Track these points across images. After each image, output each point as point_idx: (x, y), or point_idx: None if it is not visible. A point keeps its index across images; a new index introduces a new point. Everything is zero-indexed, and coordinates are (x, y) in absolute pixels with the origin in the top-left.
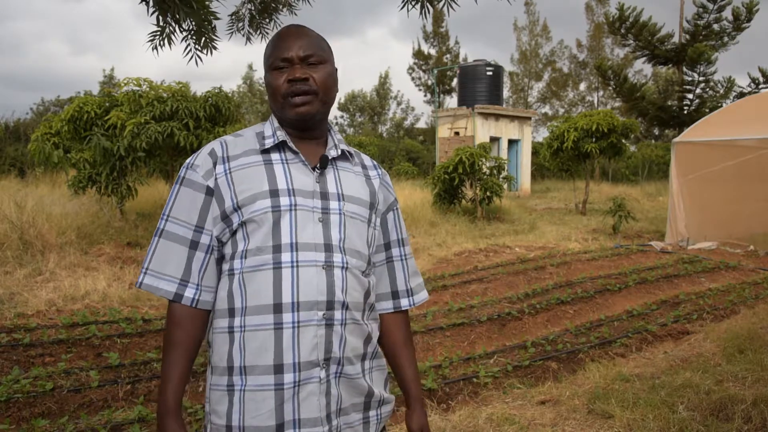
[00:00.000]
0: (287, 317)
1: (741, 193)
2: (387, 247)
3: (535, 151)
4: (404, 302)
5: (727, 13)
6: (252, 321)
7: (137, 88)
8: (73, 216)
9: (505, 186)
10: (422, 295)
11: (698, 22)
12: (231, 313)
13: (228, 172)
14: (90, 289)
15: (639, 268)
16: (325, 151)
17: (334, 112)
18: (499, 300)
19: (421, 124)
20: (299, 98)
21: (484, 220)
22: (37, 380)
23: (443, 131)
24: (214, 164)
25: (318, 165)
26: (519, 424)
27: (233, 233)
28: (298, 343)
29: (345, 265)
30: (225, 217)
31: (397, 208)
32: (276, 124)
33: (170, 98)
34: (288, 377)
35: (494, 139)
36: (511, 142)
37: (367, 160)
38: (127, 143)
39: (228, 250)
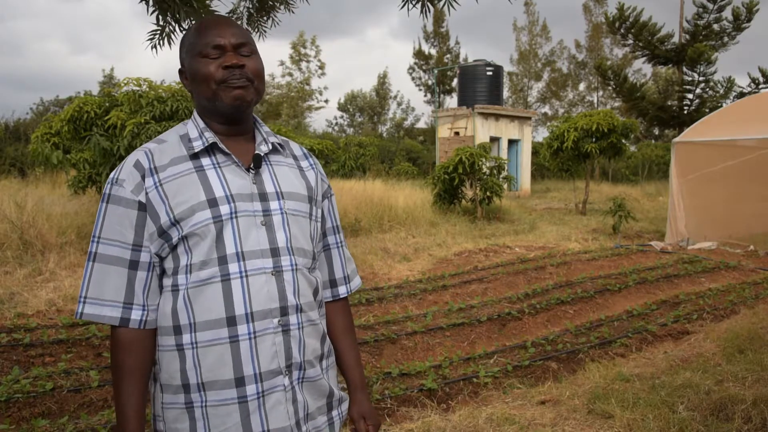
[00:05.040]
0: (242, 329)
1: (741, 193)
2: (324, 235)
3: (535, 151)
4: (342, 290)
5: (727, 13)
6: (204, 337)
7: (137, 88)
8: (73, 216)
9: (505, 186)
10: (357, 281)
11: (698, 22)
12: (177, 330)
13: (158, 184)
14: None
15: (639, 268)
16: (254, 146)
17: (334, 112)
18: (499, 300)
19: (421, 124)
20: (236, 82)
21: (484, 220)
22: (37, 380)
23: (443, 131)
24: (143, 177)
25: (252, 165)
26: (519, 424)
27: (173, 248)
28: (257, 353)
29: (294, 267)
30: (162, 233)
31: (331, 195)
32: (201, 124)
33: (170, 98)
34: (251, 389)
35: (494, 139)
36: (511, 142)
37: (297, 149)
38: (127, 143)
39: (169, 264)
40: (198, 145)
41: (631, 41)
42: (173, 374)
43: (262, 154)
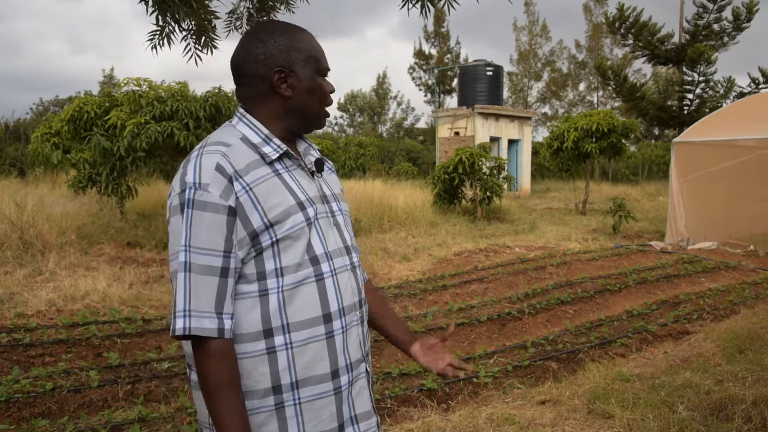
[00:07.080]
0: (336, 324)
1: (741, 193)
2: None
3: (535, 151)
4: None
5: (727, 13)
6: (300, 336)
7: (137, 88)
8: (73, 216)
9: (505, 186)
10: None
11: (698, 22)
12: (268, 333)
13: (248, 188)
14: (90, 289)
15: (639, 268)
16: (301, 151)
17: (334, 113)
18: (499, 300)
19: (421, 124)
20: (329, 113)
21: (484, 220)
22: (37, 380)
23: (443, 131)
24: (230, 181)
25: (315, 169)
26: (519, 424)
27: (259, 252)
28: (348, 345)
29: (359, 263)
30: (254, 237)
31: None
32: (265, 129)
33: (170, 98)
34: (344, 379)
35: (494, 139)
36: (511, 142)
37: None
38: (127, 143)
39: (250, 270)
40: (271, 152)
41: (631, 41)
42: (258, 378)
43: (315, 158)
